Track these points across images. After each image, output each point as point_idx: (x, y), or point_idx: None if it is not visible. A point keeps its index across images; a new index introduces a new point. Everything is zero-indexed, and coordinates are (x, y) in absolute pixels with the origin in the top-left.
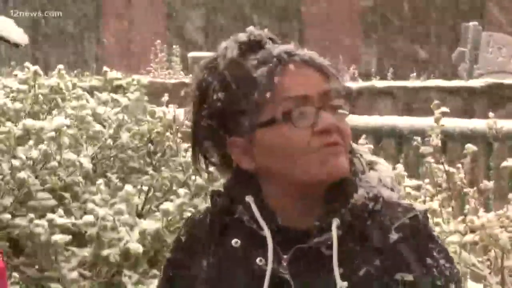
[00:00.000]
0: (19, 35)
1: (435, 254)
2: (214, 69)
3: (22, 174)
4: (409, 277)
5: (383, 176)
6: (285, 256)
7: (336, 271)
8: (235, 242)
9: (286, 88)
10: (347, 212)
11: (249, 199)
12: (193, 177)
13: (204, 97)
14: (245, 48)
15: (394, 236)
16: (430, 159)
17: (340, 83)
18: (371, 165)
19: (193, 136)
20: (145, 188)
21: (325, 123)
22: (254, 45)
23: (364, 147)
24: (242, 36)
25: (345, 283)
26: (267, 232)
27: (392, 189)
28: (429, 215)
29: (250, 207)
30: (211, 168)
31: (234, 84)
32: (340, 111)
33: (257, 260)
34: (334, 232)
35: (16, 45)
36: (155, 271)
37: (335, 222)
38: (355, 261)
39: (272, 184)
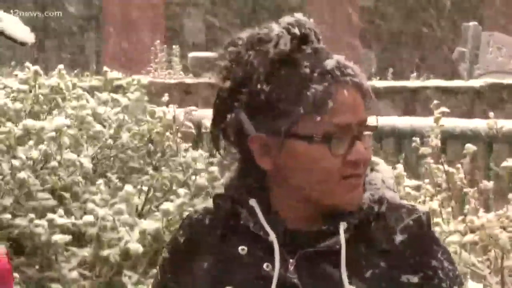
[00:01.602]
0: (25, 34)
1: (439, 256)
2: (263, 54)
3: (22, 174)
4: (415, 279)
5: (386, 177)
6: (291, 260)
7: (344, 275)
8: (242, 249)
9: (333, 112)
10: (354, 215)
11: (253, 203)
12: (193, 177)
13: (244, 79)
14: (297, 42)
15: (399, 237)
16: (429, 159)
17: (375, 105)
18: (371, 166)
19: (216, 110)
20: (145, 188)
21: (358, 155)
22: (303, 39)
23: None
24: (294, 27)
25: (353, 287)
26: (273, 238)
27: (394, 190)
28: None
29: (254, 211)
30: (212, 168)
31: (284, 83)
32: (367, 132)
33: (264, 265)
34: (342, 236)
35: (23, 44)
36: (155, 271)
37: (343, 226)
38: (362, 264)
39: (283, 188)
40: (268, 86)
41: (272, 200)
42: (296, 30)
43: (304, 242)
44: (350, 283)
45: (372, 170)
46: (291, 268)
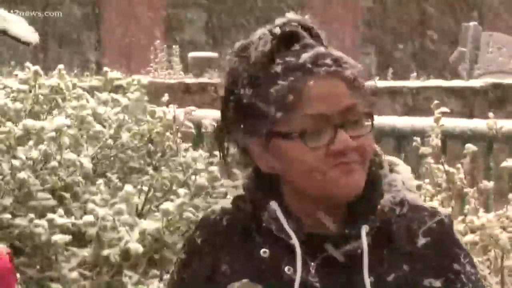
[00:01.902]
0: (29, 33)
1: (461, 259)
2: (246, 60)
3: (22, 174)
4: (437, 283)
5: (405, 178)
6: (312, 264)
7: (367, 281)
8: (264, 252)
9: (305, 104)
10: (375, 217)
11: (274, 205)
12: (193, 177)
13: (233, 87)
14: (278, 42)
15: (421, 240)
16: (430, 159)
17: (366, 92)
18: (391, 166)
19: (221, 117)
20: (145, 188)
21: (340, 145)
22: (288, 38)
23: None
24: (277, 27)
25: None
26: (295, 241)
27: (414, 191)
28: None
29: (275, 214)
30: (212, 168)
31: (260, 84)
32: (363, 122)
33: (286, 268)
34: (364, 240)
35: (26, 43)
36: (155, 271)
37: (365, 229)
38: (384, 267)
39: (291, 188)
40: (250, 90)
41: (288, 202)
42: (277, 30)
43: (324, 244)
44: (373, 287)
45: (392, 171)
46: (313, 271)
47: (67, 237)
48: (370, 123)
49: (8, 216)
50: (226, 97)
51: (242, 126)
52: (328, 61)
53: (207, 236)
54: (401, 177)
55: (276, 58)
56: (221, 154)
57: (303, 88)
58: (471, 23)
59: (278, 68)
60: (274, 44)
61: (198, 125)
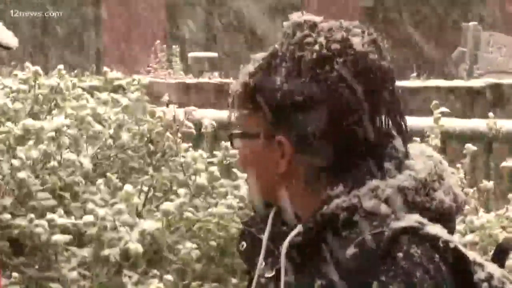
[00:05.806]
0: (9, 38)
1: (383, 278)
2: None
3: (22, 174)
4: None
5: (389, 184)
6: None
7: (282, 279)
8: (242, 245)
9: None
10: (312, 219)
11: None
12: (193, 177)
13: None
14: None
15: (350, 251)
16: None
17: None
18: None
19: None
20: (145, 188)
21: None
22: None
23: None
24: None
25: None
26: (265, 236)
27: (388, 201)
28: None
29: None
30: (212, 168)
31: None
32: (235, 132)
33: (259, 263)
34: (286, 241)
35: (7, 48)
36: (155, 271)
37: (297, 229)
38: (312, 273)
39: None
40: None
41: None
42: None
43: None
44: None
45: (384, 176)
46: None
47: (67, 237)
48: (245, 128)
49: (8, 216)
50: None
51: None
52: None
53: None
54: (377, 183)
55: None
56: None
57: None
58: (471, 23)
59: None
60: None
61: (198, 125)
